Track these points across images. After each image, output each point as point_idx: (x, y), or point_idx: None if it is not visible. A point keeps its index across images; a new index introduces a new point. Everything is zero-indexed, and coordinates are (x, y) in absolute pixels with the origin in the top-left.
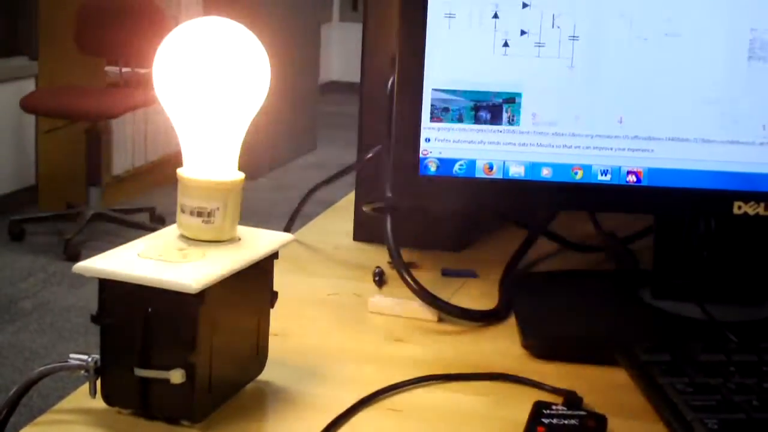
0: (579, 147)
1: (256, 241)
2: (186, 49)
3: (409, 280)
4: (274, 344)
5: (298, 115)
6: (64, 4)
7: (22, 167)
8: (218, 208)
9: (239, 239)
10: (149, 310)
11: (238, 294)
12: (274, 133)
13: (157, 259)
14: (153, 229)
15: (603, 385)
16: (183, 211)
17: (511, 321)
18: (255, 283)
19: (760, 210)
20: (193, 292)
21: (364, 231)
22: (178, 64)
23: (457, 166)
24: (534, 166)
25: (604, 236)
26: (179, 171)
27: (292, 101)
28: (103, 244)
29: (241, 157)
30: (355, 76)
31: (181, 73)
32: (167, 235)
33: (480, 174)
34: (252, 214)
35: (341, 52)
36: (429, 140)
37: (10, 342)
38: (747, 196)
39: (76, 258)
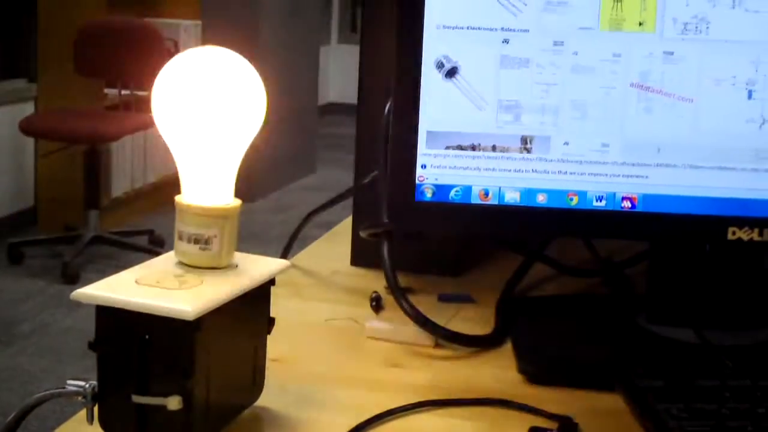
0: (574, 173)
1: (254, 268)
2: (183, 80)
3: (405, 305)
4: (271, 370)
5: (297, 137)
6: (63, 27)
7: (20, 190)
8: (215, 235)
9: (236, 266)
10: (146, 336)
11: (235, 320)
12: (273, 155)
13: (154, 286)
14: (152, 252)
15: (599, 411)
16: (180, 238)
17: (508, 346)
18: (252, 309)
19: (754, 235)
20: (189, 318)
21: (362, 256)
22: (176, 93)
23: (453, 192)
24: (529, 192)
25: (599, 261)
26: (177, 198)
27: (291, 123)
28: (102, 267)
29: (240, 179)
30: (354, 98)
31: (179, 102)
32: (165, 261)
33: (476, 200)
34: (251, 237)
35: (340, 74)
36: (425, 166)
37: (8, 365)
38: (741, 222)
39: (74, 281)
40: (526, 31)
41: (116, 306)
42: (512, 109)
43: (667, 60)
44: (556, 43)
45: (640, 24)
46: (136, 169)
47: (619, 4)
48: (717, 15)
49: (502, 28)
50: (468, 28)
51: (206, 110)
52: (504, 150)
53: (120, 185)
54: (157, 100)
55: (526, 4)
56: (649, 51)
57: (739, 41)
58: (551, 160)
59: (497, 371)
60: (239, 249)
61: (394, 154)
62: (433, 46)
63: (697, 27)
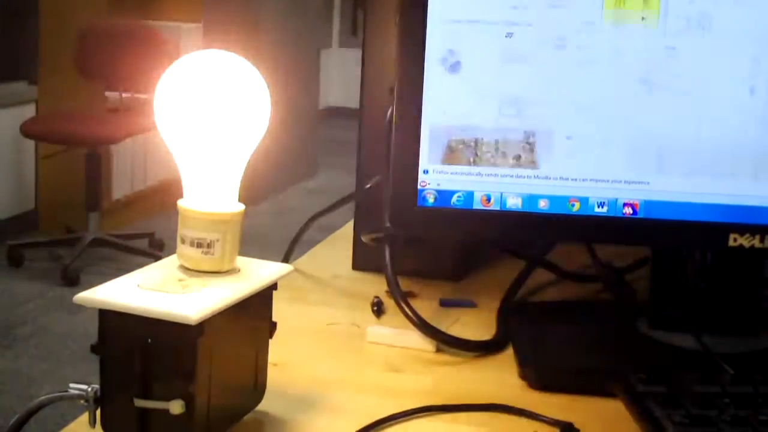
0: (576, 179)
1: (256, 272)
2: (186, 83)
3: (407, 310)
4: (272, 374)
5: (298, 141)
6: (65, 29)
7: (21, 192)
8: (218, 240)
9: (239, 270)
10: (149, 340)
11: (237, 325)
12: (275, 159)
13: (157, 290)
14: (152, 255)
15: (600, 417)
16: (183, 242)
17: (509, 351)
18: (254, 314)
19: (756, 242)
20: (192, 323)
21: (363, 260)
22: (179, 97)
23: (455, 198)
24: (531, 198)
25: (600, 267)
26: (179, 202)
27: (292, 127)
28: (102, 270)
29: (241, 182)
30: (354, 102)
31: (182, 106)
32: (167, 265)
33: (478, 205)
34: (252, 240)
35: (341, 78)
36: (427, 172)
37: (8, 368)
38: (742, 229)
39: (74, 283)
40: (530, 25)
41: (119, 310)
42: (515, 104)
43: (669, 55)
44: (559, 38)
45: (643, 19)
46: (136, 172)
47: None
48: (720, 11)
49: (506, 22)
50: (470, 21)
51: (210, 114)
52: (505, 144)
53: (120, 188)
54: (160, 104)
55: None
56: (651, 46)
57: (742, 37)
58: (553, 163)
59: (499, 377)
60: (240, 252)
61: (396, 159)
62: (435, 46)
63: (700, 22)
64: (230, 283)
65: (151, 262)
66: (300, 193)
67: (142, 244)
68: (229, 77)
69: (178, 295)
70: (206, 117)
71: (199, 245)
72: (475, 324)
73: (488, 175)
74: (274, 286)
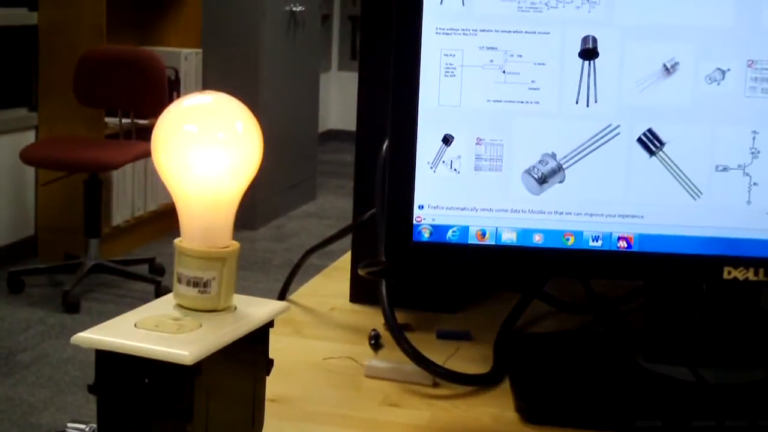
0: (570, 213)
1: (252, 311)
2: (182, 127)
3: (404, 344)
4: (269, 410)
5: (297, 165)
6: (64, 55)
7: (21, 218)
8: (214, 278)
9: (235, 308)
10: (146, 380)
11: (234, 363)
12: (274, 183)
13: (153, 330)
14: (153, 280)
15: None
16: (179, 281)
17: (506, 384)
18: (251, 351)
19: (749, 275)
20: (188, 363)
21: (361, 292)
22: (174, 141)
23: (450, 233)
24: (526, 233)
25: (594, 299)
26: (176, 241)
27: (291, 150)
28: (102, 296)
29: (240, 207)
30: (353, 125)
31: (178, 150)
32: (164, 304)
33: (473, 240)
34: (251, 265)
35: (340, 101)
36: (422, 207)
37: (7, 395)
38: (736, 262)
39: (75, 310)
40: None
41: (115, 350)
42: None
43: None
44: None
45: None
46: (136, 198)
47: None
48: None
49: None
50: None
51: (204, 158)
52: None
53: (121, 213)
54: (156, 147)
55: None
56: None
57: None
58: (548, 200)
59: (495, 410)
60: (241, 276)
61: (391, 194)
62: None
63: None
64: (227, 322)
65: (152, 288)
66: (299, 217)
67: (143, 269)
68: (223, 121)
69: (175, 335)
70: (201, 160)
71: (196, 284)
72: (472, 357)
73: (483, 209)
74: (270, 324)
